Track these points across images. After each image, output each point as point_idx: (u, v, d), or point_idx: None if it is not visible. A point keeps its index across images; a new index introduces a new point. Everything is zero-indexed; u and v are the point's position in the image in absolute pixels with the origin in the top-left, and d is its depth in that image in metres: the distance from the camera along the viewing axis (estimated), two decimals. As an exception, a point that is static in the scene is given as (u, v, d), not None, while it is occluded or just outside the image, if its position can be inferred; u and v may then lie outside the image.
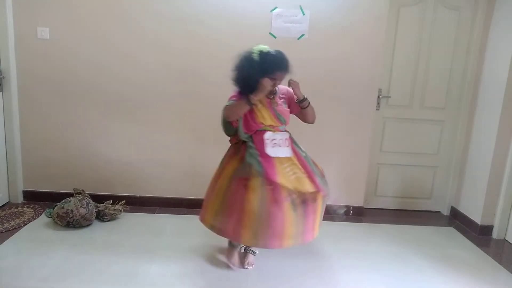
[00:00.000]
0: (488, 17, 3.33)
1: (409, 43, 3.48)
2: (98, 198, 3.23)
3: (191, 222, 3.18)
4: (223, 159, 2.46)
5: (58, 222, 2.95)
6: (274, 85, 2.27)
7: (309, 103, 2.39)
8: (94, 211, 3.02)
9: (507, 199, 3.22)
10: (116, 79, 3.27)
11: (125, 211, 3.23)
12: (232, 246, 2.60)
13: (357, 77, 3.32)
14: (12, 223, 2.99)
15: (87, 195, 3.12)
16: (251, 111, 2.26)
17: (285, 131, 2.41)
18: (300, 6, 3.18)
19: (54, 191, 3.41)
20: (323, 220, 3.39)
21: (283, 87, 2.42)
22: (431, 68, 3.53)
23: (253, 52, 2.20)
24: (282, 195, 2.17)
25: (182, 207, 3.44)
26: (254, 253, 2.62)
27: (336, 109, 3.37)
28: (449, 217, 3.72)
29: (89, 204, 3.00)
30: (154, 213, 3.36)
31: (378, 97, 3.49)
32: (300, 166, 2.32)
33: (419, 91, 3.57)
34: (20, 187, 3.42)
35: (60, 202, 3.01)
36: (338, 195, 3.53)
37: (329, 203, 3.53)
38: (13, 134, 3.28)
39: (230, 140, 2.47)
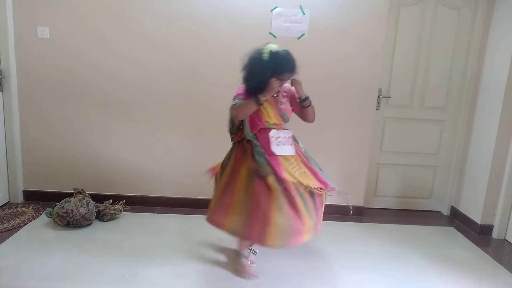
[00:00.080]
0: (488, 17, 3.33)
1: (409, 42, 3.47)
2: (98, 198, 3.23)
3: (191, 222, 3.19)
4: (228, 160, 2.40)
5: (58, 221, 2.95)
6: (281, 85, 2.27)
7: (310, 102, 2.39)
8: (94, 211, 3.02)
9: (507, 199, 3.22)
10: (116, 79, 3.27)
11: (125, 210, 3.23)
12: (241, 256, 2.49)
13: (357, 77, 3.32)
14: (12, 222, 2.99)
15: (87, 194, 3.12)
16: (257, 110, 2.25)
17: (287, 129, 2.41)
18: (300, 5, 3.18)
19: (54, 190, 3.42)
20: (324, 219, 3.41)
21: (285, 84, 2.41)
22: (431, 68, 3.53)
23: (263, 52, 2.18)
24: (293, 192, 2.19)
25: (182, 207, 3.44)
26: (255, 253, 2.62)
27: (336, 109, 3.37)
28: (449, 217, 3.72)
29: (89, 203, 3.00)
30: (154, 213, 3.36)
31: (378, 97, 3.49)
32: (303, 163, 2.36)
33: (419, 91, 3.57)
34: (20, 186, 3.42)
35: (60, 201, 3.01)
36: (338, 194, 3.54)
37: (330, 202, 3.55)
38: (13, 134, 3.28)
39: (232, 138, 2.44)
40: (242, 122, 2.31)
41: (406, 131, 3.65)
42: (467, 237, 3.26)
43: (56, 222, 2.98)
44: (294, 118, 2.47)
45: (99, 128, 3.36)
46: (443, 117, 3.64)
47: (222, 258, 2.64)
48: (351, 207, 3.55)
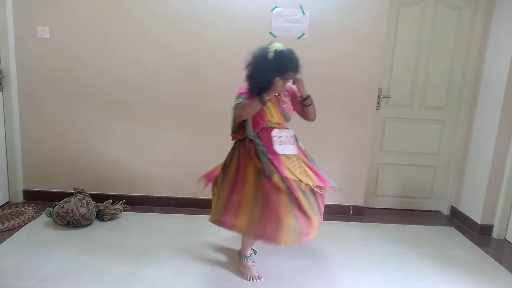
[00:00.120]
0: (488, 17, 3.33)
1: (409, 42, 3.47)
2: (98, 198, 3.23)
3: (191, 222, 3.19)
4: (231, 160, 2.37)
5: (58, 221, 2.95)
6: (284, 84, 2.26)
7: (312, 101, 2.38)
8: (94, 211, 3.03)
9: (507, 198, 3.22)
10: (116, 78, 3.27)
11: (125, 210, 3.23)
12: (244, 257, 2.48)
13: (357, 77, 3.32)
14: (12, 222, 2.99)
15: (87, 194, 3.12)
16: (260, 109, 2.24)
17: (288, 128, 2.41)
18: (300, 5, 3.18)
19: (54, 190, 3.42)
20: (324, 219, 3.40)
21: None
22: (431, 68, 3.53)
23: (268, 51, 2.16)
24: (295, 190, 2.19)
25: (182, 207, 3.44)
26: (255, 252, 2.62)
27: (336, 109, 3.37)
28: (449, 217, 3.72)
29: (89, 203, 3.00)
30: (154, 212, 3.36)
31: (378, 96, 3.49)
32: (303, 162, 2.37)
33: (419, 91, 3.57)
34: (20, 186, 3.42)
35: (60, 201, 3.01)
36: (338, 194, 3.54)
37: (330, 202, 3.56)
38: (13, 134, 3.28)
39: (233, 137, 2.41)
40: (244, 121, 2.29)
41: (406, 131, 3.65)
42: (467, 237, 3.26)
43: (56, 222, 2.98)
44: (293, 117, 2.47)
45: (99, 128, 3.36)
46: (443, 117, 3.64)
47: (222, 258, 2.65)
48: (351, 207, 3.56)
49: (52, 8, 3.14)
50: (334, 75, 3.30)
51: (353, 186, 3.53)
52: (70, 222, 2.91)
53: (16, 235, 2.81)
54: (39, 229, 2.92)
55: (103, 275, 2.38)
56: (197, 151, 3.42)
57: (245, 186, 2.24)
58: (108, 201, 3.22)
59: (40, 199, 3.41)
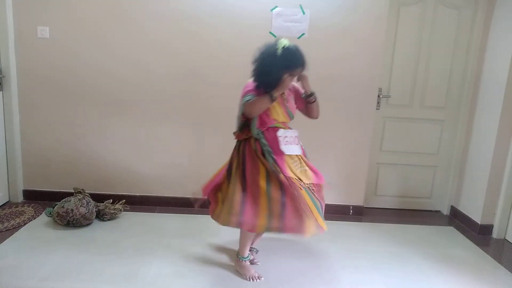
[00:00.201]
0: (488, 17, 3.33)
1: (409, 42, 3.48)
2: (98, 198, 3.23)
3: (191, 222, 3.19)
4: (237, 160, 2.34)
5: (58, 221, 2.95)
6: (292, 80, 2.25)
7: (315, 98, 2.38)
8: (94, 210, 3.03)
9: (507, 198, 3.22)
10: (116, 78, 3.27)
11: (125, 210, 3.23)
12: (242, 258, 2.47)
13: (357, 77, 3.32)
14: (12, 222, 2.99)
15: (87, 194, 3.12)
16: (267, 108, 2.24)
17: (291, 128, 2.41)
18: (300, 5, 3.18)
19: (54, 190, 3.42)
20: (324, 219, 3.39)
21: None
22: (431, 68, 3.53)
23: (277, 48, 2.15)
24: (297, 188, 2.23)
25: (182, 207, 3.44)
26: (256, 251, 2.63)
27: (336, 109, 3.37)
28: (449, 217, 3.72)
29: (89, 203, 3.00)
30: (154, 212, 3.36)
31: (378, 96, 3.49)
32: (305, 161, 2.39)
33: (419, 91, 3.57)
34: (20, 186, 3.42)
35: (60, 201, 3.01)
36: (338, 194, 3.55)
37: (331, 202, 3.55)
38: (13, 133, 3.28)
39: (237, 136, 2.38)
40: (248, 119, 2.27)
41: (406, 130, 3.65)
42: (467, 236, 3.26)
43: (56, 221, 2.98)
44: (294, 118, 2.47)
45: (100, 128, 3.36)
46: (443, 117, 3.64)
47: (222, 258, 2.64)
48: (351, 207, 3.56)
49: (52, 8, 3.14)
50: (334, 75, 3.30)
51: (353, 186, 3.54)
52: (70, 222, 2.91)
53: (16, 234, 2.81)
54: (39, 229, 2.92)
55: (103, 274, 2.38)
56: (197, 151, 3.42)
57: (259, 184, 2.22)
58: (108, 201, 3.22)
59: (40, 199, 3.41)
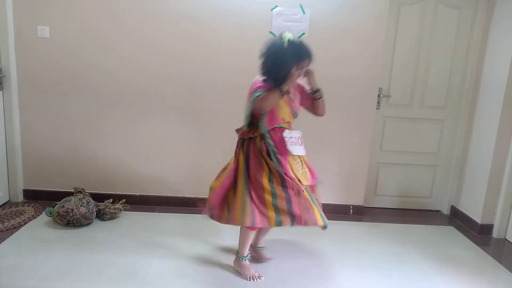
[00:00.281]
0: (489, 16, 3.33)
1: (409, 42, 3.47)
2: (98, 197, 3.23)
3: (191, 221, 3.19)
4: (243, 159, 2.31)
5: (58, 221, 2.95)
6: (300, 73, 2.25)
7: (322, 94, 2.37)
8: (94, 210, 3.03)
9: (507, 198, 3.22)
10: (116, 78, 3.27)
11: (125, 210, 3.23)
12: (242, 257, 2.47)
13: (357, 76, 3.32)
14: (12, 222, 2.99)
15: (87, 194, 3.12)
16: (275, 106, 2.23)
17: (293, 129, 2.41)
18: (300, 4, 3.18)
19: (54, 190, 3.42)
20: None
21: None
22: (431, 67, 3.53)
23: (283, 41, 2.15)
24: (299, 188, 2.27)
25: (182, 206, 3.44)
26: (264, 248, 2.64)
27: (336, 108, 3.36)
28: (449, 216, 3.72)
29: (89, 203, 3.00)
30: (154, 212, 3.36)
31: (379, 96, 3.49)
32: (305, 163, 2.41)
33: (419, 90, 3.57)
34: (20, 186, 3.42)
35: (60, 201, 3.01)
36: (338, 194, 3.55)
37: (331, 202, 3.56)
38: (13, 133, 3.28)
39: (243, 134, 2.34)
40: (255, 117, 2.26)
41: (406, 130, 3.65)
42: (467, 236, 3.26)
43: (56, 221, 2.98)
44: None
45: (100, 128, 3.36)
46: (443, 117, 3.64)
47: (222, 258, 2.64)
48: (351, 207, 3.56)
49: (52, 7, 3.14)
50: (334, 75, 3.30)
51: (353, 186, 3.54)
52: (70, 221, 2.91)
53: (16, 234, 2.81)
54: (39, 229, 2.92)
55: (103, 274, 2.38)
56: (198, 151, 3.42)
57: (262, 183, 2.23)
58: (108, 200, 3.22)
59: (40, 199, 3.41)
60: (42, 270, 2.38)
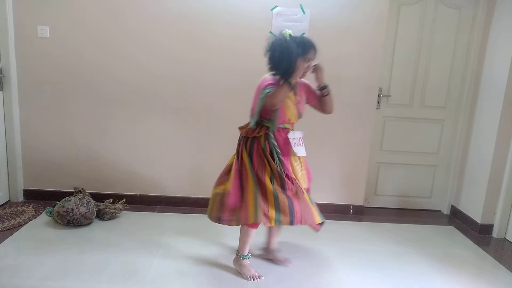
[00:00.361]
0: (489, 16, 3.33)
1: (410, 42, 3.47)
2: (98, 197, 3.24)
3: (192, 221, 3.19)
4: (246, 154, 2.31)
5: (59, 220, 2.95)
6: (308, 67, 2.25)
7: (329, 91, 2.37)
8: (94, 210, 3.03)
9: (507, 198, 3.22)
10: (116, 78, 3.27)
11: (125, 209, 3.23)
12: (242, 257, 2.46)
13: (358, 76, 3.32)
14: (12, 221, 2.99)
15: (87, 193, 3.12)
16: (283, 106, 2.23)
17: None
18: (300, 4, 3.18)
19: (55, 189, 3.42)
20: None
21: (299, 80, 2.36)
22: (432, 67, 3.53)
23: (285, 36, 2.17)
24: (301, 189, 2.31)
25: (182, 206, 3.45)
26: (278, 250, 2.65)
27: (336, 108, 3.32)
28: (449, 216, 3.72)
29: (90, 202, 3.00)
30: (154, 212, 3.36)
31: (379, 96, 3.49)
32: (303, 164, 2.42)
33: (420, 90, 3.57)
34: (21, 185, 3.42)
35: (60, 200, 3.01)
36: (338, 193, 3.55)
37: (331, 202, 3.56)
38: (14, 133, 3.28)
39: (246, 132, 2.32)
40: (265, 116, 2.25)
41: (406, 130, 3.65)
42: (467, 236, 3.26)
43: (56, 221, 2.98)
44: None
45: (100, 127, 3.36)
46: (443, 116, 3.64)
47: (222, 257, 2.64)
48: (351, 207, 3.56)
49: (52, 7, 3.14)
50: (334, 75, 3.28)
51: (353, 186, 3.54)
52: (70, 221, 2.91)
53: (16, 234, 2.82)
54: (39, 228, 2.92)
55: (103, 274, 2.38)
56: (198, 151, 3.42)
57: (265, 182, 2.24)
58: (108, 200, 3.23)
59: (41, 198, 3.41)
60: (42, 270, 2.38)
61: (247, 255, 2.47)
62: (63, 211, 2.90)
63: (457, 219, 3.62)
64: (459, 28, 3.47)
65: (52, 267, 2.42)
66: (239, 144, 2.38)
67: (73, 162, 3.40)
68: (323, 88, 2.36)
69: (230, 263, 2.54)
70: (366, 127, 3.44)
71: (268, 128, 2.27)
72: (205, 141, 3.39)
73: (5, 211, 3.17)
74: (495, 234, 3.29)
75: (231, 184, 2.31)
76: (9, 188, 3.37)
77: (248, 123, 2.35)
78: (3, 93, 3.21)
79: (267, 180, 2.24)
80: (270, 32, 3.19)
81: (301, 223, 2.26)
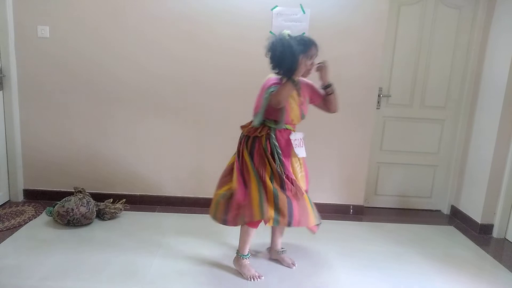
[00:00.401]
0: (489, 16, 3.32)
1: (410, 42, 3.47)
2: (98, 197, 3.24)
3: (192, 221, 3.19)
4: (247, 153, 2.30)
5: (59, 220, 2.95)
6: (312, 64, 2.26)
7: (334, 90, 2.37)
8: (94, 210, 3.03)
9: (507, 197, 3.22)
10: (116, 78, 3.27)
11: (125, 209, 3.23)
12: (242, 256, 2.46)
13: (358, 76, 3.32)
14: (12, 221, 2.99)
15: (87, 193, 3.12)
16: (287, 106, 2.24)
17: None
18: (300, 4, 3.18)
19: (55, 189, 3.42)
20: (324, 219, 3.40)
21: (302, 80, 2.37)
22: (432, 67, 3.53)
23: (284, 35, 2.18)
24: (301, 191, 2.31)
25: (183, 206, 3.45)
26: (284, 251, 2.65)
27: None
28: (449, 216, 3.72)
29: (90, 202, 3.00)
30: (154, 211, 3.36)
31: (379, 96, 3.49)
32: (302, 165, 2.43)
33: (420, 90, 3.57)
34: (21, 185, 3.42)
35: (60, 200, 3.01)
36: (338, 193, 3.55)
37: (331, 202, 3.56)
38: (14, 133, 3.28)
39: (248, 131, 2.32)
40: (271, 115, 2.25)
41: (406, 130, 3.65)
42: (467, 236, 3.26)
43: (56, 221, 2.98)
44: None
45: (100, 127, 3.36)
46: (443, 116, 3.64)
47: (222, 257, 2.64)
48: (351, 207, 3.56)
49: (52, 7, 3.14)
50: (334, 75, 3.24)
51: (354, 186, 3.54)
52: (70, 221, 2.91)
53: (17, 234, 2.82)
54: (39, 228, 2.92)
55: (103, 274, 2.38)
56: (198, 151, 3.42)
57: (266, 182, 2.24)
58: (108, 200, 3.23)
59: (41, 198, 3.41)
60: (42, 269, 2.38)
61: (247, 254, 2.47)
62: (63, 211, 2.90)
63: (457, 219, 3.62)
64: (459, 28, 3.47)
65: (52, 267, 2.42)
66: (240, 143, 2.38)
67: (73, 162, 3.40)
68: (327, 86, 2.36)
69: (230, 263, 2.54)
70: (366, 127, 3.44)
71: (270, 128, 2.27)
72: (205, 141, 3.40)
73: (5, 211, 3.17)
74: (495, 234, 3.29)
75: (236, 182, 2.30)
76: (9, 188, 3.37)
77: (250, 122, 2.35)
78: (3, 93, 3.21)
79: (267, 179, 2.25)
80: (270, 32, 3.19)
81: (298, 225, 2.26)
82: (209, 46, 3.23)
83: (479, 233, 3.31)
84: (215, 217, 2.40)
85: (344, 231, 3.21)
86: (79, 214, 2.91)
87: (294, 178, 2.30)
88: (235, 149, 2.42)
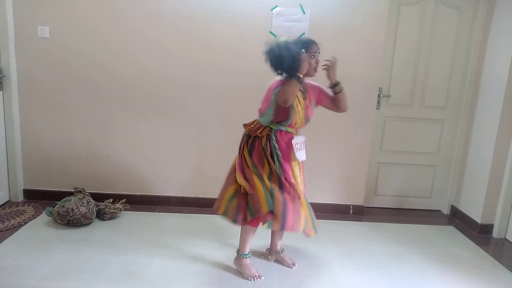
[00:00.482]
0: (489, 16, 3.33)
1: (410, 42, 3.48)
2: (98, 197, 3.23)
3: (192, 221, 3.19)
4: (248, 152, 2.31)
5: (59, 220, 2.95)
6: (317, 61, 2.26)
7: (342, 88, 2.36)
8: (94, 210, 3.03)
9: (507, 197, 3.22)
10: (116, 78, 3.28)
11: (125, 209, 3.23)
12: (243, 256, 2.46)
13: (358, 76, 3.32)
14: (12, 221, 2.99)
15: (87, 193, 3.12)
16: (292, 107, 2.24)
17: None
18: (300, 4, 3.18)
19: (55, 189, 3.42)
20: (324, 219, 3.41)
21: (308, 83, 2.38)
22: (432, 67, 3.53)
23: (280, 40, 2.21)
24: (300, 194, 2.32)
25: (183, 206, 3.45)
26: (283, 251, 2.65)
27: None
28: (449, 216, 3.72)
29: (90, 202, 3.00)
30: (154, 211, 3.36)
31: (379, 96, 3.49)
32: (301, 169, 2.43)
33: (420, 90, 3.57)
34: (21, 185, 3.42)
35: (60, 200, 3.01)
36: (338, 193, 3.55)
37: (331, 202, 3.56)
38: (14, 133, 3.28)
39: (250, 130, 2.32)
40: (278, 115, 2.25)
41: (406, 130, 3.65)
42: (467, 236, 3.26)
43: (56, 221, 2.98)
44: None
45: (100, 127, 3.36)
46: (443, 116, 3.64)
47: (222, 257, 2.64)
48: (351, 207, 3.56)
49: (52, 7, 3.14)
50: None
51: (353, 186, 3.54)
52: (70, 221, 2.91)
53: (17, 234, 2.82)
54: (39, 228, 2.92)
55: (103, 274, 2.38)
56: (198, 151, 3.42)
57: (264, 179, 2.24)
58: (108, 200, 3.23)
59: (41, 198, 3.41)
60: (42, 269, 2.38)
61: (248, 254, 2.47)
62: (63, 211, 2.90)
63: (457, 219, 3.62)
64: (459, 28, 3.47)
65: (52, 267, 2.42)
66: (242, 142, 2.38)
67: (73, 162, 3.40)
68: (335, 85, 2.35)
69: (231, 263, 2.54)
70: (366, 127, 3.44)
71: (271, 129, 2.27)
72: (205, 141, 3.40)
73: (5, 211, 3.17)
74: (495, 234, 3.29)
75: (240, 178, 2.32)
76: (9, 188, 3.37)
77: (253, 121, 2.35)
78: (3, 93, 3.21)
79: (265, 177, 2.25)
80: (270, 32, 3.19)
81: (292, 230, 2.25)
82: (209, 46, 3.23)
83: (479, 233, 3.31)
84: (226, 215, 2.37)
85: (344, 231, 3.21)
86: (79, 214, 2.91)
87: (293, 182, 2.29)
88: (235, 149, 2.42)
